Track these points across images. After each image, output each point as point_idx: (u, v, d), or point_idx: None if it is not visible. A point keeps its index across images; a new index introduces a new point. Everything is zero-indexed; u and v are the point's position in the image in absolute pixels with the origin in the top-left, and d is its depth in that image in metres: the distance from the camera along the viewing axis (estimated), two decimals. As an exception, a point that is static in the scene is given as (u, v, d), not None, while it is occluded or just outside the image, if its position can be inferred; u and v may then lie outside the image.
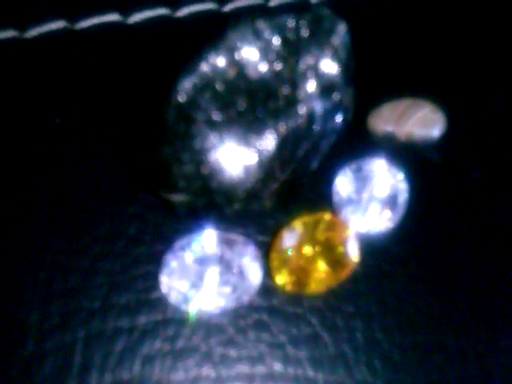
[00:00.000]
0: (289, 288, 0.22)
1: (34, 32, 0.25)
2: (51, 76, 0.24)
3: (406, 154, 0.23)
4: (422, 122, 0.24)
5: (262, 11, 0.27)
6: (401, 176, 0.23)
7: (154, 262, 0.22)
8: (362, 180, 0.23)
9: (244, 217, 0.22)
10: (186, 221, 0.22)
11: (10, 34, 0.25)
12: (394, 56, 0.25)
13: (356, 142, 0.23)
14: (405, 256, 0.23)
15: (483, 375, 0.22)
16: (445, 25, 0.26)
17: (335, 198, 0.23)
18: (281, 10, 0.27)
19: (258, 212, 0.22)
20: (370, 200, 0.23)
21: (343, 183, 0.23)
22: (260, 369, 0.21)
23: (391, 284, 0.22)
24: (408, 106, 0.24)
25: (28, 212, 0.22)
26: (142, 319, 0.21)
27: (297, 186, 0.22)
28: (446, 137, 0.24)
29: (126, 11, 0.26)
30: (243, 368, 0.21)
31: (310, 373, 0.21)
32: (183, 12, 0.27)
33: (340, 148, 0.22)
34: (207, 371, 0.21)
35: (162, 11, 0.27)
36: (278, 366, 0.21)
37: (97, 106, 0.24)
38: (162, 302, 0.21)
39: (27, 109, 0.24)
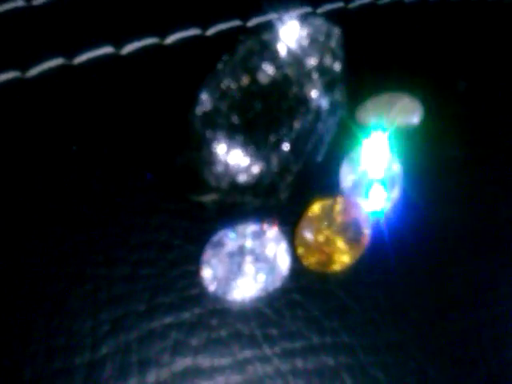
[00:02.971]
0: (315, 268, 0.24)
1: (34, 71, 0.27)
2: (60, 110, 0.26)
3: (393, 141, 0.27)
4: (403, 111, 0.27)
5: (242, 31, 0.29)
6: (394, 160, 0.26)
7: (189, 262, 0.24)
8: (362, 167, 0.26)
9: (266, 210, 0.24)
10: (214, 221, 0.24)
11: (12, 74, 0.27)
12: (372, 60, 0.29)
13: (350, 135, 0.26)
14: (404, 227, 0.26)
15: (477, 321, 0.25)
16: (414, 31, 0.30)
17: (342, 185, 0.25)
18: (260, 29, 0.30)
19: (276, 205, 0.24)
20: (372, 183, 0.25)
21: (347, 171, 0.25)
22: (300, 343, 0.23)
23: (398, 252, 0.25)
24: (389, 99, 0.27)
25: (67, 232, 0.23)
26: (187, 314, 0.23)
27: (307, 177, 0.25)
28: (423, 122, 0.28)
29: (117, 43, 0.28)
30: (285, 344, 0.23)
31: (346, 340, 0.23)
32: (171, 39, 0.29)
33: (339, 141, 0.25)
34: (253, 352, 0.23)
35: (151, 40, 0.29)
36: (316, 338, 0.23)
37: (113, 128, 0.26)
38: (202, 297, 0.23)
39: (47, 138, 0.25)
